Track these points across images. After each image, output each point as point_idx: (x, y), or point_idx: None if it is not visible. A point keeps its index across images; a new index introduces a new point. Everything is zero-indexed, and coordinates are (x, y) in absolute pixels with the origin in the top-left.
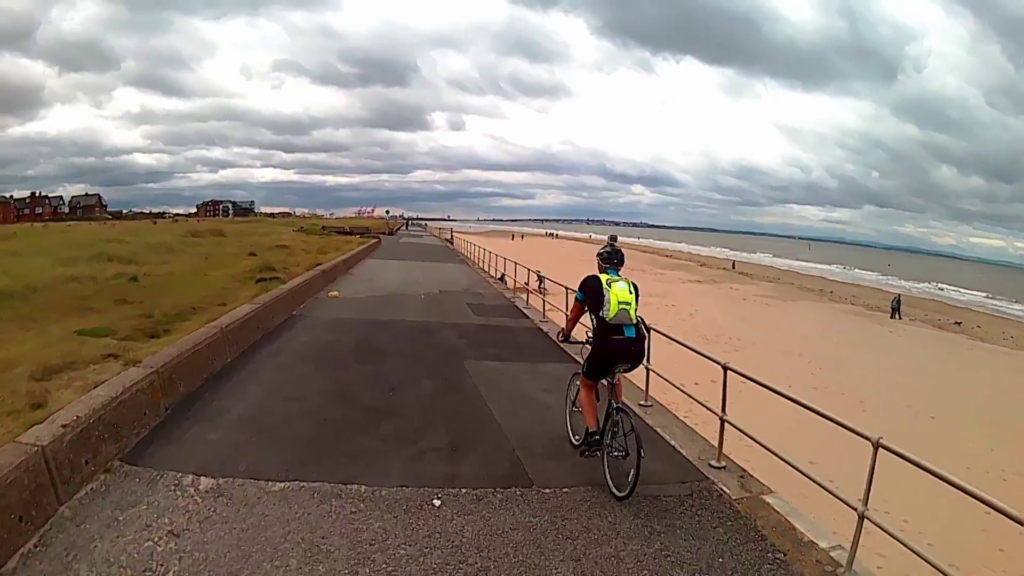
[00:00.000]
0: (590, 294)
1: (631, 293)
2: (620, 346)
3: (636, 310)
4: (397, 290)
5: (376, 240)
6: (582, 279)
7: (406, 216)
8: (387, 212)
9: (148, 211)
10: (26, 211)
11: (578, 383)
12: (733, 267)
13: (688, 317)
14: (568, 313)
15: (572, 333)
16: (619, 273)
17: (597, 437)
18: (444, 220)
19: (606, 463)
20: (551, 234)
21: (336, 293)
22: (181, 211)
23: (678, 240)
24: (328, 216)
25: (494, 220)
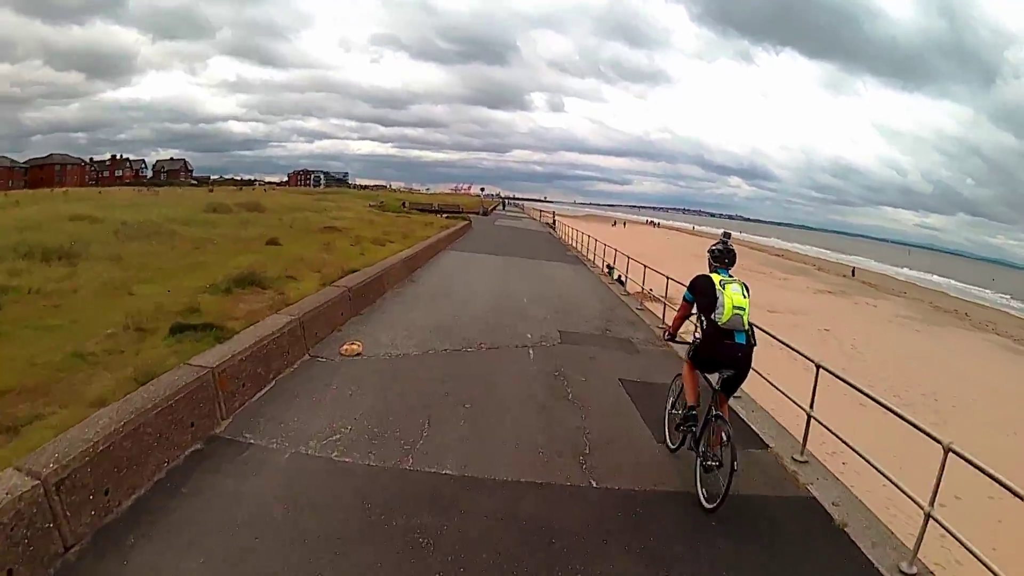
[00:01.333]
0: (700, 295)
1: (745, 297)
2: (730, 351)
3: (748, 314)
4: (480, 325)
5: (466, 223)
6: (692, 278)
7: (502, 195)
8: (482, 190)
9: (240, 177)
10: (106, 174)
11: (680, 383)
12: (853, 274)
13: (852, 351)
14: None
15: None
16: (730, 273)
17: (694, 412)
18: (541, 201)
19: (698, 472)
20: (651, 222)
21: (356, 347)
22: (275, 179)
23: (772, 235)
24: (424, 191)
25: (591, 204)
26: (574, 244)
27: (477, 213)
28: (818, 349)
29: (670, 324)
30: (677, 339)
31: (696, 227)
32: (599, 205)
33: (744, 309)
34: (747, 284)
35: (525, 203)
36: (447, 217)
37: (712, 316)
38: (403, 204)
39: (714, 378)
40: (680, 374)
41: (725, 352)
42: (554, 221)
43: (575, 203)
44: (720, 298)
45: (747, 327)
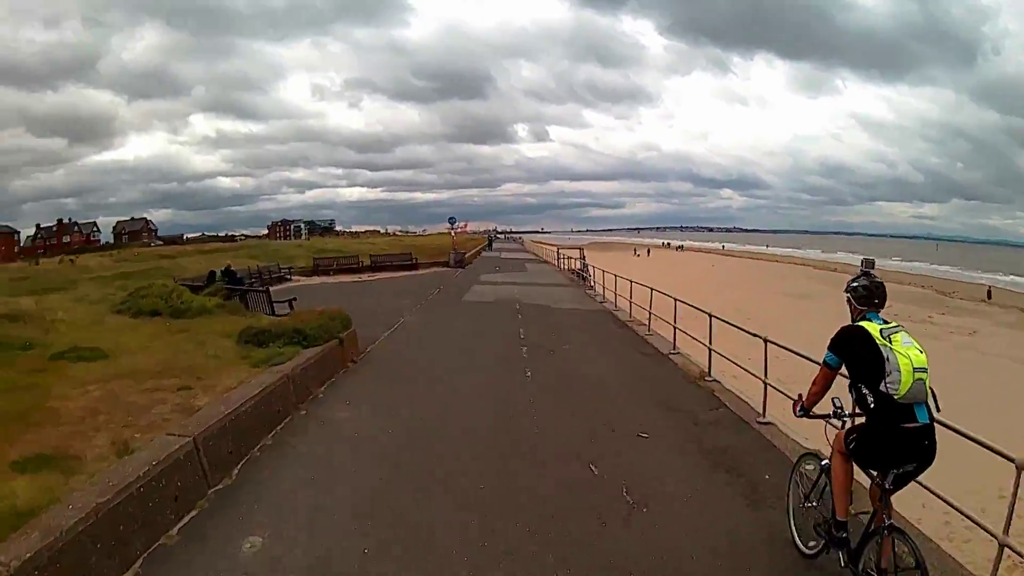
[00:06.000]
0: (854, 356)
1: (922, 351)
2: (910, 438)
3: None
4: None
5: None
6: (838, 332)
7: (497, 231)
8: (451, 222)
9: (225, 234)
10: (53, 241)
11: (813, 464)
12: (989, 297)
13: None
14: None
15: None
16: (883, 318)
17: (845, 535)
18: (537, 232)
19: None
20: (669, 244)
21: None
22: (248, 232)
23: (774, 244)
24: (420, 232)
25: (587, 231)
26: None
27: (446, 264)
28: None
29: (803, 396)
30: (812, 414)
31: (725, 246)
32: (595, 231)
33: (926, 371)
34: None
35: (524, 236)
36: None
37: (882, 387)
38: (221, 276)
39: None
40: (808, 455)
41: (904, 440)
42: (584, 265)
43: (572, 231)
44: (890, 358)
45: (928, 396)
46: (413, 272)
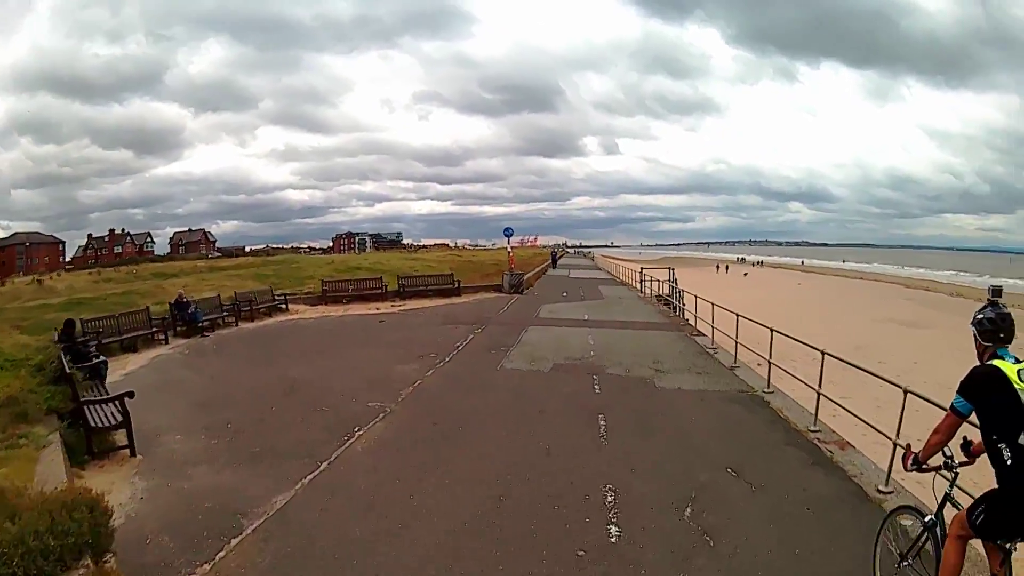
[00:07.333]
0: (988, 403)
1: None
2: None
3: None
4: None
5: None
6: (969, 373)
7: (566, 245)
8: (507, 234)
9: (289, 246)
10: (104, 251)
11: (912, 519)
12: None
13: None
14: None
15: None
16: (1014, 355)
17: None
18: (607, 247)
19: None
20: (744, 259)
21: None
22: (315, 244)
23: (846, 259)
24: (491, 246)
25: (657, 245)
26: None
27: (499, 288)
28: None
29: (917, 448)
30: (925, 467)
31: (805, 262)
32: (664, 246)
33: None
34: None
35: (594, 251)
36: None
37: (1021, 439)
38: None
39: None
40: (905, 509)
41: None
42: (675, 292)
43: (641, 245)
44: None
45: None
46: (453, 300)
